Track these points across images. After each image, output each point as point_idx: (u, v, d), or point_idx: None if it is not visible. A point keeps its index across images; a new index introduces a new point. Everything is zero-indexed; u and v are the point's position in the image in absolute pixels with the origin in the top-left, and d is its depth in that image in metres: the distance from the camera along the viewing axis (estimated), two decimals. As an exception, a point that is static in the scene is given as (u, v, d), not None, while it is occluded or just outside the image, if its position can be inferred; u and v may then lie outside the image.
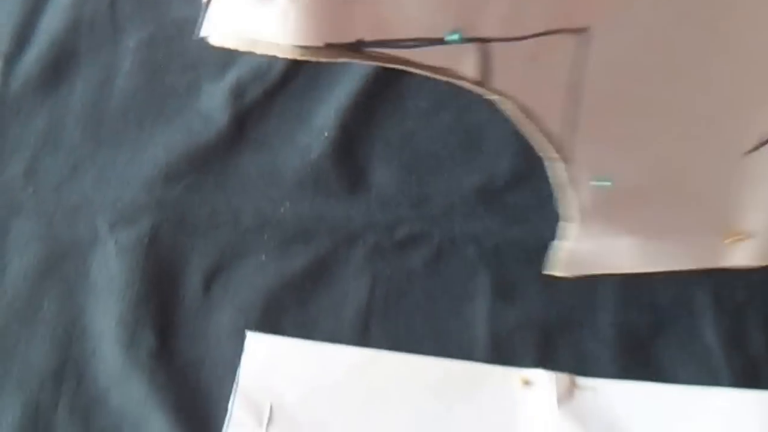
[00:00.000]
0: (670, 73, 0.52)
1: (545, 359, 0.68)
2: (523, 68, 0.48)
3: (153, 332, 0.69)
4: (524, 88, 0.50)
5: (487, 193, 0.75)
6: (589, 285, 0.71)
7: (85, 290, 0.71)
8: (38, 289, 0.71)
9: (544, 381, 0.66)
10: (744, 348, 0.70)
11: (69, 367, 0.68)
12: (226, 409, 0.66)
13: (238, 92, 0.78)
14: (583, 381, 0.66)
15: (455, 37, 0.44)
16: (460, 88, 0.49)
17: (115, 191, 0.74)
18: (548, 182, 0.72)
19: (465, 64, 0.46)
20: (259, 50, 0.43)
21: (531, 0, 0.46)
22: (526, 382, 0.66)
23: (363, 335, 0.69)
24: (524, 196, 0.75)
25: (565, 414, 0.65)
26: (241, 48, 0.44)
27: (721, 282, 0.71)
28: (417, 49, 0.44)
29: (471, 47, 0.46)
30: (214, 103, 0.77)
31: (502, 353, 0.69)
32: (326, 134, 0.76)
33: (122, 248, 0.71)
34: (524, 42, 0.47)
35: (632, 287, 0.71)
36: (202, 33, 0.45)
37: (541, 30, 0.47)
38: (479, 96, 0.51)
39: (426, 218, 0.74)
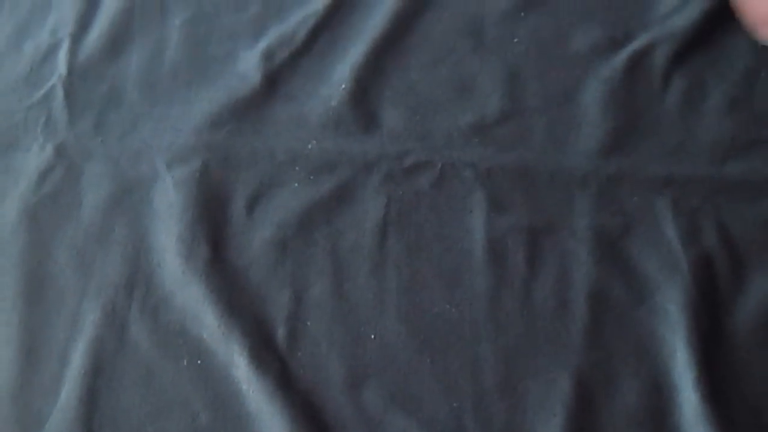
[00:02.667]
0: None
1: (533, 257, 0.81)
2: None
3: (207, 246, 0.82)
4: None
5: (480, 128, 0.87)
6: (568, 196, 0.84)
7: (149, 216, 0.84)
8: (109, 216, 0.84)
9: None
10: (698, 242, 0.82)
11: (139, 276, 0.81)
12: (273, 304, 0.80)
13: (268, 56, 0.91)
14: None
15: None
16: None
17: (170, 137, 0.87)
18: (530, 119, 0.86)
19: None
20: None
21: None
22: None
23: (381, 243, 0.82)
24: (511, 130, 0.87)
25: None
26: None
27: (679, 190, 0.84)
28: None
29: None
30: (248, 65, 0.90)
31: (497, 254, 0.82)
32: (343, 86, 0.89)
33: (178, 182, 0.85)
34: None
35: (604, 196, 0.84)
36: None
37: None
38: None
39: (429, 149, 0.86)
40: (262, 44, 0.91)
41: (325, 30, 0.92)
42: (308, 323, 0.79)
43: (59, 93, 0.90)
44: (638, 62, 0.90)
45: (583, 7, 0.94)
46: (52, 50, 0.93)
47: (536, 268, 0.81)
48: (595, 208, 0.84)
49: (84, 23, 0.94)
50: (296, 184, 0.84)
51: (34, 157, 0.87)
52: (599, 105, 0.88)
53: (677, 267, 0.81)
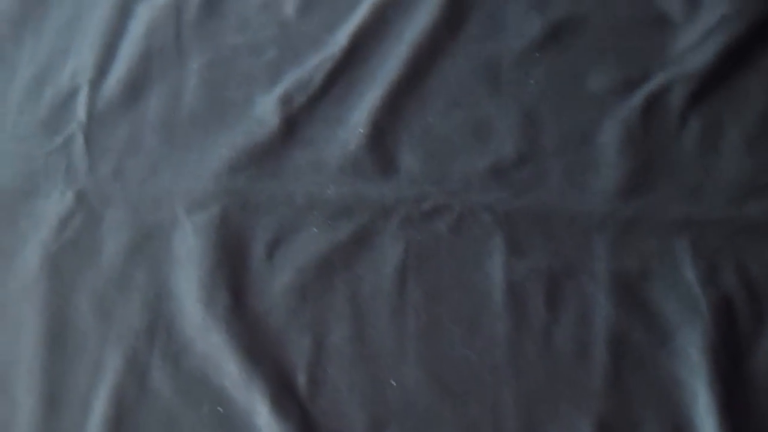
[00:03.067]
0: None
1: (553, 301, 0.82)
2: None
3: (227, 292, 0.82)
4: None
5: (497, 171, 0.87)
6: (587, 238, 0.84)
7: (169, 262, 0.84)
8: (130, 263, 0.84)
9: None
10: (718, 284, 0.82)
11: (160, 323, 0.82)
12: (294, 350, 0.80)
13: (286, 100, 0.91)
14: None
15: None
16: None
17: (189, 183, 0.88)
18: (547, 161, 0.87)
19: None
20: None
21: None
22: None
23: (401, 288, 0.82)
24: (528, 173, 0.88)
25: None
26: None
27: (697, 232, 0.84)
28: None
29: None
30: (266, 110, 0.91)
31: (516, 298, 0.82)
32: (361, 130, 0.89)
33: (198, 228, 0.85)
34: None
35: (623, 238, 0.84)
36: None
37: None
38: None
39: (447, 193, 0.86)
40: (279, 89, 0.92)
41: (342, 74, 0.93)
42: (329, 370, 0.79)
43: (79, 139, 0.90)
44: (655, 102, 0.90)
45: (598, 48, 0.94)
46: (71, 96, 0.93)
47: (556, 312, 0.81)
48: (613, 251, 0.84)
49: (103, 68, 0.94)
50: (315, 229, 0.84)
51: (55, 203, 0.87)
52: (616, 146, 0.88)
53: (697, 309, 0.81)
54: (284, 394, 0.78)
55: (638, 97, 0.91)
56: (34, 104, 0.93)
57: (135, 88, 0.93)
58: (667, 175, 0.87)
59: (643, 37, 0.95)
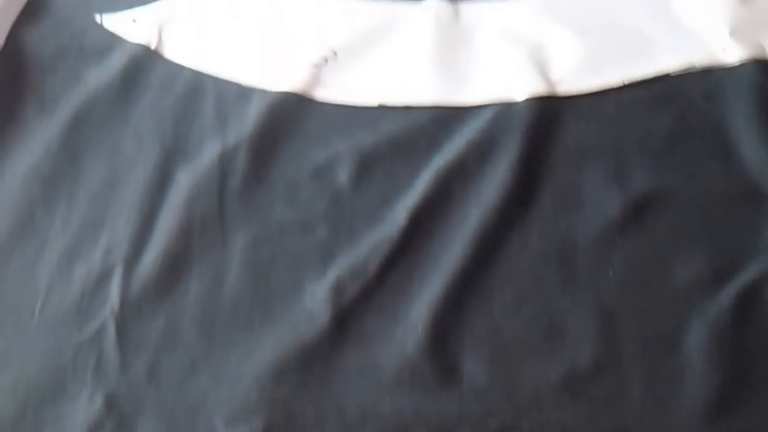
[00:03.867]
0: None
1: None
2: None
3: None
4: None
5: (571, 382, 0.79)
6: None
7: (205, 485, 0.76)
8: (164, 481, 0.76)
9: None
10: None
11: None
12: None
13: (338, 290, 0.83)
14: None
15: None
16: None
17: (229, 390, 0.79)
18: (627, 371, 0.77)
19: None
20: None
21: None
22: None
23: None
24: (606, 385, 0.79)
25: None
26: None
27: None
28: None
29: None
30: (316, 300, 0.82)
31: None
32: (420, 328, 0.81)
33: (238, 446, 0.77)
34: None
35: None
36: None
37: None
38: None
39: (515, 409, 0.78)
40: (331, 275, 0.84)
41: (401, 259, 0.84)
42: None
43: (111, 330, 0.83)
44: (747, 299, 0.81)
45: (684, 229, 0.86)
46: (104, 277, 0.86)
47: None
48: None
49: (139, 244, 0.87)
50: (367, 452, 0.76)
51: (83, 408, 0.80)
52: (705, 353, 0.79)
53: None
54: None
55: (728, 292, 0.82)
56: (64, 284, 0.86)
57: (174, 270, 0.86)
58: (761, 389, 0.78)
59: (734, 215, 0.87)
